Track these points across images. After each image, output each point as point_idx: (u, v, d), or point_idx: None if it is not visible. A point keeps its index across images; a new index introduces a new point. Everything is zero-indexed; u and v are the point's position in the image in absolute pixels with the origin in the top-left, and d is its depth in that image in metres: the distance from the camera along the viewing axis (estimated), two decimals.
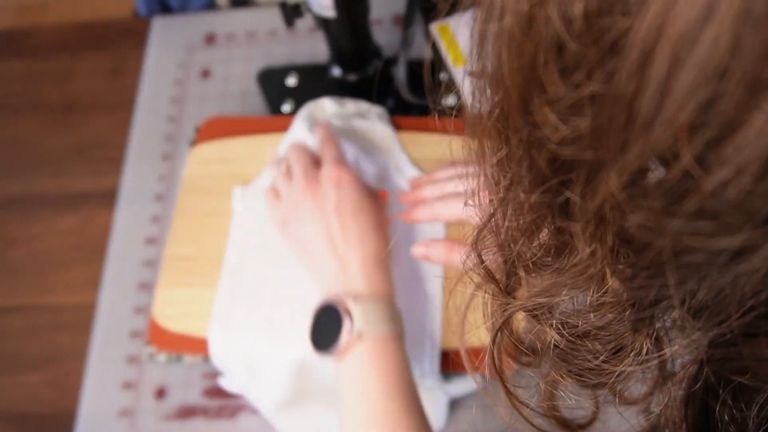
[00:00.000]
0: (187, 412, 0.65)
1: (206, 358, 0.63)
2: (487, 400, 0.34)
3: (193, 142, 0.73)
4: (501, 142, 0.25)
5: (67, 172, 0.80)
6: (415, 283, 0.61)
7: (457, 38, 0.63)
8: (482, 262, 0.31)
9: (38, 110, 0.84)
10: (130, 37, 0.87)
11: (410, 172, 0.66)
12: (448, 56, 0.63)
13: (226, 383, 0.64)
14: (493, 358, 0.33)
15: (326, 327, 0.52)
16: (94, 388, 0.68)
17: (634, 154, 0.19)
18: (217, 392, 0.66)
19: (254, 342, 0.60)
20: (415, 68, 0.65)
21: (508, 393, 0.32)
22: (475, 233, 0.31)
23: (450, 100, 0.64)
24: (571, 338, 0.29)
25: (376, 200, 0.59)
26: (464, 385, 0.60)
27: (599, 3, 0.19)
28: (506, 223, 0.28)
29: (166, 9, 0.89)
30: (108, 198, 0.77)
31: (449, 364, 0.60)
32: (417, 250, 0.57)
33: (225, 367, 0.62)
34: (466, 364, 0.35)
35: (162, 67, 0.84)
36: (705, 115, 0.18)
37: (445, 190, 0.60)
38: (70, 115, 0.83)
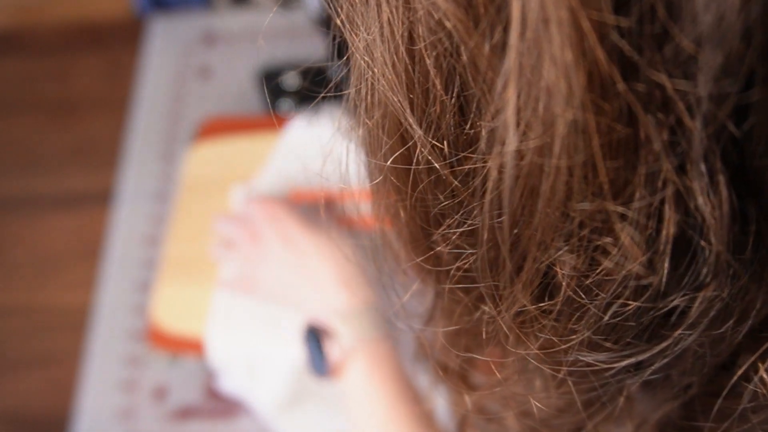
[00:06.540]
0: (186, 413, 0.65)
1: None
2: None
3: (192, 142, 0.73)
4: None
5: (66, 172, 0.80)
6: None
7: None
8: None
9: (36, 110, 0.84)
10: (128, 37, 0.87)
11: None
12: None
13: (222, 385, 0.64)
14: None
15: (316, 350, 0.52)
16: (92, 389, 0.68)
17: None
18: (217, 392, 0.66)
19: (254, 342, 0.60)
20: None
21: None
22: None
23: None
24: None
25: (316, 215, 0.58)
26: None
27: None
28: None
29: (163, 6, 0.89)
30: (106, 198, 0.77)
31: None
32: None
33: (223, 367, 0.62)
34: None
35: (160, 67, 0.84)
36: None
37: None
38: (68, 115, 0.83)
